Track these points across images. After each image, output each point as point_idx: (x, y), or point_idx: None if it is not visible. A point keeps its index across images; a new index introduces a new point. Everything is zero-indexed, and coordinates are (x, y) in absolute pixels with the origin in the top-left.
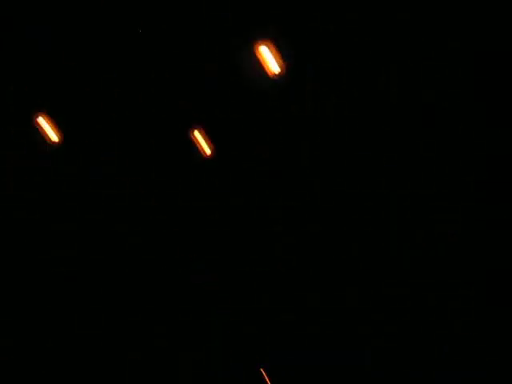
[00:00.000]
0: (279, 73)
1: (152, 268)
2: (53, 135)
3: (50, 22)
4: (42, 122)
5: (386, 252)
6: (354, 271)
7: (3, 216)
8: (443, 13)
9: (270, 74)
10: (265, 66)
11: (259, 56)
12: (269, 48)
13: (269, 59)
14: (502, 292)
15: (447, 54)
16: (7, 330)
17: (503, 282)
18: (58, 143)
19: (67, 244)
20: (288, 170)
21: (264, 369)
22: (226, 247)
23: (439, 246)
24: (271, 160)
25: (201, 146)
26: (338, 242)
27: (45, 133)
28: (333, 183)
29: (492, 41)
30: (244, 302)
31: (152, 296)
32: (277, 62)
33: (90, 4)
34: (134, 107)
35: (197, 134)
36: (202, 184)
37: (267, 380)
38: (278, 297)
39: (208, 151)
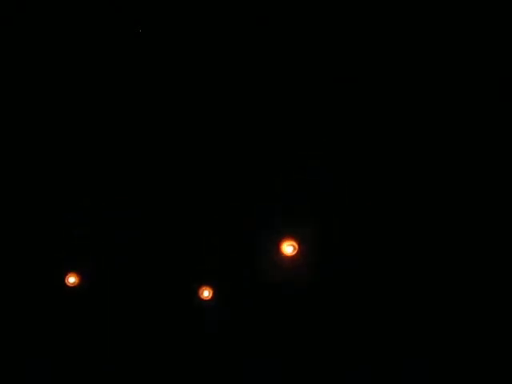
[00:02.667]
0: None
1: (151, 268)
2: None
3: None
4: None
5: (386, 252)
6: (353, 272)
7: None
8: (443, 13)
9: None
10: None
11: None
12: None
13: None
14: (502, 292)
15: (447, 54)
16: (7, 330)
17: (503, 281)
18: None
19: (67, 244)
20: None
21: None
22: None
23: (440, 245)
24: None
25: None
26: (337, 244)
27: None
28: (333, 183)
29: (492, 40)
30: (243, 301)
31: (152, 296)
32: None
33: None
34: (134, 109)
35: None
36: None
37: None
38: (278, 297)
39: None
